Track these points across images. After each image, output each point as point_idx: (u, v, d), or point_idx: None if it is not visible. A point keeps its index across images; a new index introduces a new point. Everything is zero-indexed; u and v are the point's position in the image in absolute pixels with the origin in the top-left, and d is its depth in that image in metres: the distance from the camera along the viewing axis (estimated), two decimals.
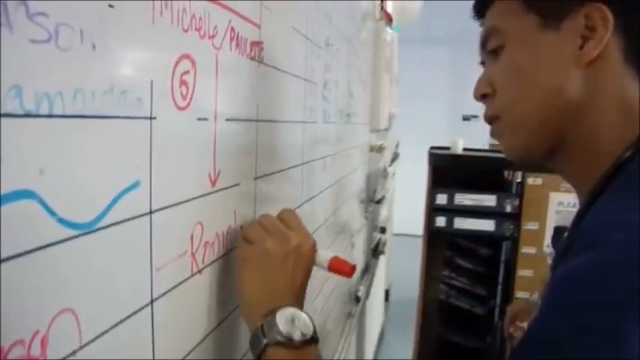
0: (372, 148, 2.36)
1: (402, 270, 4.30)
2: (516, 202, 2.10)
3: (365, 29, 2.11)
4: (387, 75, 2.54)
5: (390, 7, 3.02)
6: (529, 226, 2.11)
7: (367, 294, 2.40)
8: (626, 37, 0.63)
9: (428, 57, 8.84)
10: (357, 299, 2.04)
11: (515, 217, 2.13)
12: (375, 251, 2.63)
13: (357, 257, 1.98)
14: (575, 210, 0.67)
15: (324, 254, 0.70)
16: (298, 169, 0.99)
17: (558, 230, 1.30)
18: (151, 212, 0.47)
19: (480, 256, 2.45)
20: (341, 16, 1.39)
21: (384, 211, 3.09)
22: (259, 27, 0.72)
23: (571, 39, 0.64)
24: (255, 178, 0.75)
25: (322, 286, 1.33)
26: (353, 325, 1.88)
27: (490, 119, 0.72)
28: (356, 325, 2.04)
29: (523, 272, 2.17)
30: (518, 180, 2.14)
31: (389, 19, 2.43)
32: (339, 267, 0.70)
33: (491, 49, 0.71)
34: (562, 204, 2.06)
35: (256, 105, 0.73)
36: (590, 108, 0.64)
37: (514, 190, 2.17)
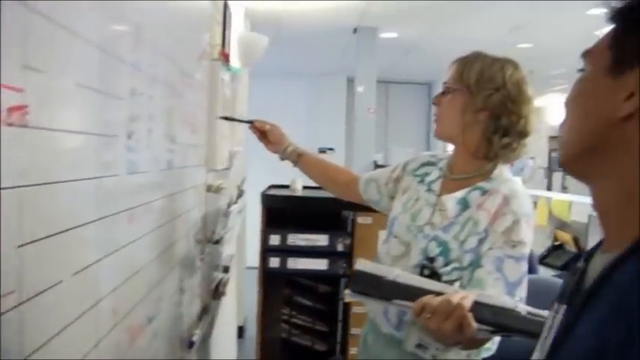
0: (209, 189, 2.34)
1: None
2: (348, 241, 2.17)
3: (200, 69, 2.10)
4: (227, 115, 2.54)
5: (235, 44, 3.03)
6: None
7: (208, 336, 2.36)
8: None
9: (285, 91, 8.95)
10: (191, 344, 1.99)
11: (348, 255, 2.19)
12: (216, 292, 2.60)
13: (185, 301, 1.94)
14: None
15: None
16: (91, 225, 0.96)
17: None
18: None
19: (320, 294, 2.50)
20: (159, 61, 1.38)
21: (227, 250, 3.07)
22: (22, 91, 0.69)
23: (621, 90, 0.71)
24: (20, 246, 0.71)
25: (136, 335, 1.29)
26: None
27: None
28: None
29: (357, 309, 2.24)
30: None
31: (226, 59, 2.44)
32: None
33: (578, 69, 0.81)
34: None
35: (20, 171, 0.69)
36: (619, 157, 0.72)
37: (349, 229, 2.24)
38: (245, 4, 4.03)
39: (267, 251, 2.19)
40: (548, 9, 5.15)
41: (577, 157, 0.78)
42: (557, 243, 5.65)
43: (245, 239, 4.41)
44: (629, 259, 0.65)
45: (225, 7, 2.66)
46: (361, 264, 1.37)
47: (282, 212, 2.26)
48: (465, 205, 1.59)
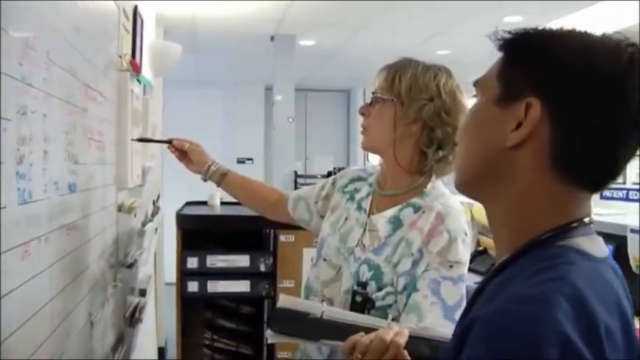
0: (120, 208, 2.18)
1: None
2: (270, 261, 2.06)
3: (107, 81, 1.95)
4: (139, 129, 2.39)
5: (146, 53, 2.87)
6: (285, 284, 2.08)
7: None
8: (559, 136, 0.75)
9: (201, 100, 8.77)
10: None
11: (271, 275, 2.08)
12: (132, 318, 2.43)
13: (97, 334, 1.78)
14: None
15: None
16: None
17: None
18: None
19: (242, 315, 2.38)
20: (55, 74, 1.23)
21: (143, 271, 2.89)
22: None
23: (509, 121, 0.78)
24: None
25: None
26: None
27: None
28: None
29: None
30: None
31: (136, 69, 2.29)
32: None
33: (472, 95, 0.88)
34: None
35: None
36: (508, 183, 0.79)
37: (271, 248, 2.13)
38: (156, 9, 3.86)
39: (184, 274, 2.05)
40: (465, 16, 5.22)
41: (470, 183, 0.86)
42: (480, 248, 5.71)
43: (163, 255, 4.23)
44: (510, 265, 0.77)
45: (136, 13, 2.50)
46: (283, 300, 1.25)
47: (199, 232, 2.12)
48: (397, 223, 1.50)
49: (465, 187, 0.87)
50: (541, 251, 0.75)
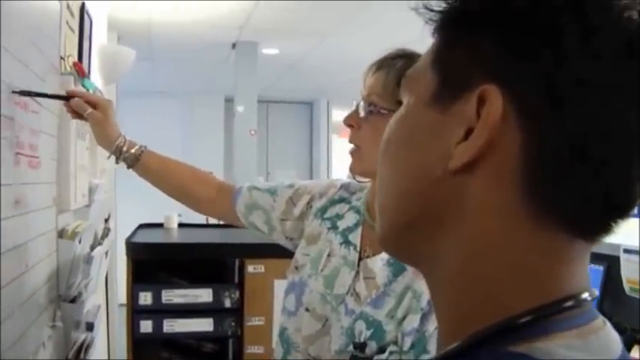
0: (61, 234, 1.88)
1: None
2: (236, 295, 1.78)
3: (46, 86, 1.66)
4: (84, 142, 2.10)
5: (95, 57, 2.60)
6: (253, 321, 1.80)
7: None
8: (536, 148, 0.44)
9: (157, 111, 8.51)
10: None
11: (237, 312, 1.80)
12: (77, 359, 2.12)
13: None
14: None
15: None
16: None
17: None
18: None
19: (205, 354, 2.09)
20: None
21: (91, 302, 2.59)
22: None
23: (452, 126, 0.47)
24: None
25: None
26: None
27: None
28: None
29: None
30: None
31: (82, 73, 2.00)
32: None
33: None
34: None
35: None
36: (453, 230, 0.48)
37: (237, 280, 1.85)
38: (109, 12, 3.57)
39: (135, 312, 1.75)
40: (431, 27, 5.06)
41: (398, 236, 0.53)
42: None
43: (115, 280, 3.92)
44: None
45: (83, 11, 2.22)
46: None
47: (152, 262, 1.83)
48: (397, 267, 1.19)
49: (391, 243, 0.55)
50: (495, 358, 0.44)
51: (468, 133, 0.46)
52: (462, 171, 0.46)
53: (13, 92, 1.25)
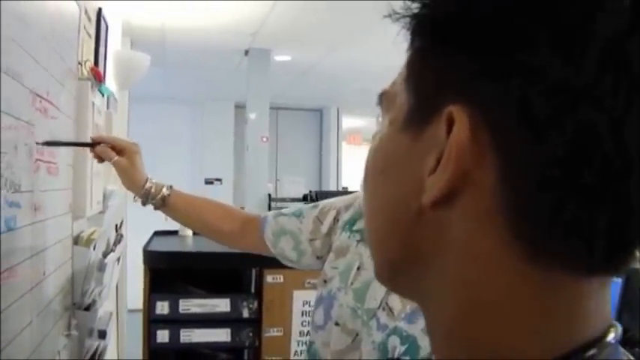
0: (76, 241, 1.86)
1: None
2: (254, 305, 1.75)
3: (64, 91, 1.64)
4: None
5: (111, 62, 2.58)
6: (272, 332, 1.77)
7: None
8: (514, 177, 0.37)
9: (168, 117, 8.50)
10: None
11: (255, 322, 1.77)
12: None
13: None
14: None
15: None
16: None
17: None
18: None
19: None
20: None
21: (104, 309, 2.56)
22: None
23: (424, 154, 0.40)
24: None
25: None
26: None
27: None
28: None
29: None
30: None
31: (99, 78, 1.98)
32: None
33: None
34: (308, 303, 1.75)
35: None
36: (437, 272, 0.42)
37: (253, 290, 1.81)
38: (123, 18, 3.56)
39: (152, 322, 1.72)
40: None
41: (389, 274, 0.48)
42: None
43: (126, 288, 3.89)
44: None
45: (100, 16, 2.21)
46: None
47: (170, 271, 1.80)
48: None
49: (383, 281, 0.50)
50: None
51: (437, 161, 0.39)
52: (439, 205, 0.39)
53: (37, 144, 1.24)
